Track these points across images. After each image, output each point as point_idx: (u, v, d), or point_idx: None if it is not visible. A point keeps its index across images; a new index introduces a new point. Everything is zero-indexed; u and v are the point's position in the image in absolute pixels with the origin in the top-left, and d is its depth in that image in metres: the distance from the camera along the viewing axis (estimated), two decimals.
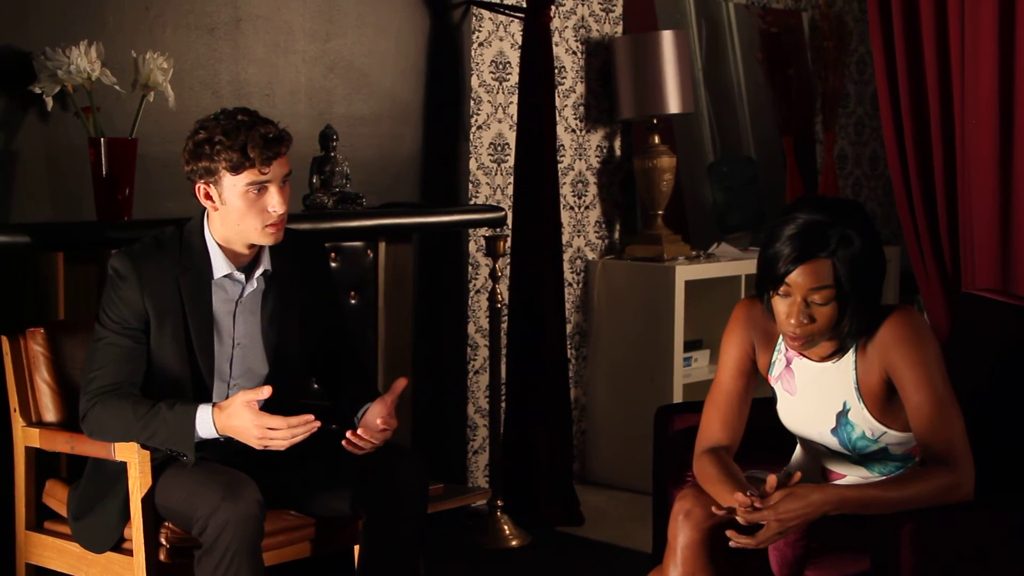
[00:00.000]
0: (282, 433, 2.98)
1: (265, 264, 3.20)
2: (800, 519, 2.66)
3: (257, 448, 3.02)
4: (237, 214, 3.09)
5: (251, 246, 3.16)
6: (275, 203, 3.08)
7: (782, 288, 2.76)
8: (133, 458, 3.05)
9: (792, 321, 2.76)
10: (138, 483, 3.03)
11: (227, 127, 3.05)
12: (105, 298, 3.14)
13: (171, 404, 3.04)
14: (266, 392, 3.00)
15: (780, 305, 2.78)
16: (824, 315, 2.76)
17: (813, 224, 2.74)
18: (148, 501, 3.04)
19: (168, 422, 3.02)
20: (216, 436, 3.04)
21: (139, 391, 3.11)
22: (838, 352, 2.86)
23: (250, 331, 3.22)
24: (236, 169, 3.04)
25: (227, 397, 3.17)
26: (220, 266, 3.16)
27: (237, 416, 3.00)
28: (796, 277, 2.73)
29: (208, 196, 3.11)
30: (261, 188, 3.07)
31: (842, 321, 2.78)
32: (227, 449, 3.12)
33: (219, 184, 3.08)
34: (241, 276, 3.18)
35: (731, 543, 2.69)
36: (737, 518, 2.68)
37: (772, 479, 2.68)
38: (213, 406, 3.04)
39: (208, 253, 3.15)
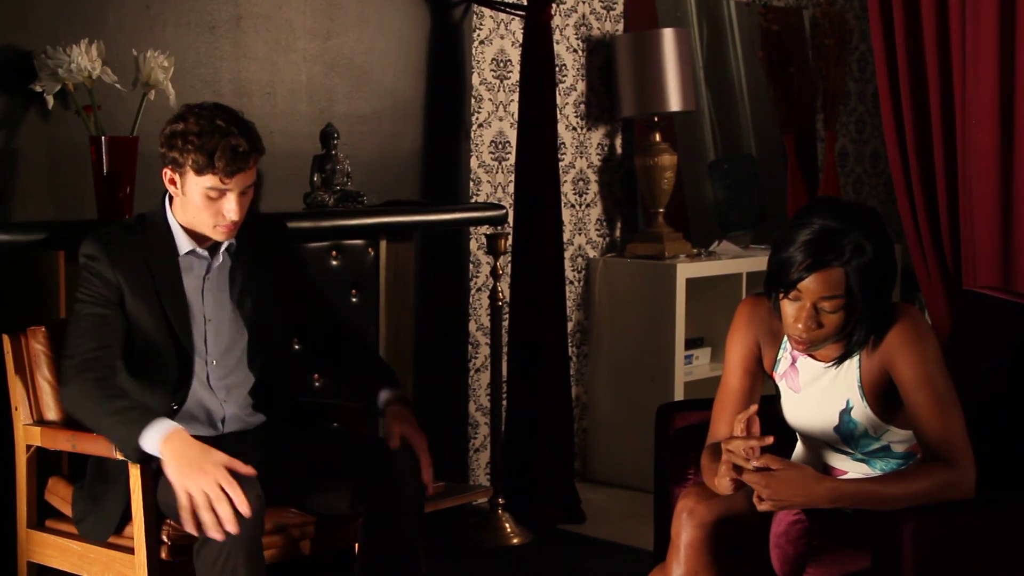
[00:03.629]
0: (237, 504, 2.84)
1: (231, 240, 3.27)
2: (796, 492, 2.67)
3: (180, 491, 2.84)
4: (194, 208, 3.16)
5: None
6: (230, 210, 3.15)
7: (792, 293, 2.76)
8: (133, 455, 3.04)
9: (800, 326, 2.76)
10: (139, 482, 3.03)
11: (203, 127, 3.11)
12: (80, 282, 3.19)
13: (131, 407, 3.00)
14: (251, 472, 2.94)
15: (788, 308, 2.78)
16: (832, 322, 2.76)
17: (828, 231, 2.73)
18: (149, 499, 3.03)
19: (124, 421, 2.98)
20: (150, 451, 2.92)
21: (117, 360, 3.14)
22: (844, 356, 2.86)
23: (220, 307, 3.27)
24: (200, 171, 3.11)
25: (207, 376, 3.24)
26: (183, 243, 3.22)
27: (201, 451, 2.89)
28: (808, 284, 2.73)
29: (172, 182, 3.17)
30: (220, 193, 3.13)
31: (849, 327, 2.78)
32: (226, 449, 3.12)
33: (183, 176, 3.14)
34: (205, 252, 3.24)
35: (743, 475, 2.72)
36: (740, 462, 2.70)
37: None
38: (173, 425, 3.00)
39: (172, 232, 3.22)
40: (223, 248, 3.27)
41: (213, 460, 2.87)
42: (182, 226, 3.22)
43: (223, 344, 3.27)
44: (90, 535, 3.17)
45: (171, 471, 2.87)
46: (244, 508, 2.82)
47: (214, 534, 2.83)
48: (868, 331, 2.81)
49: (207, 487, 2.83)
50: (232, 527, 2.81)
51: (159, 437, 2.90)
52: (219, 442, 3.10)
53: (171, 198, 3.24)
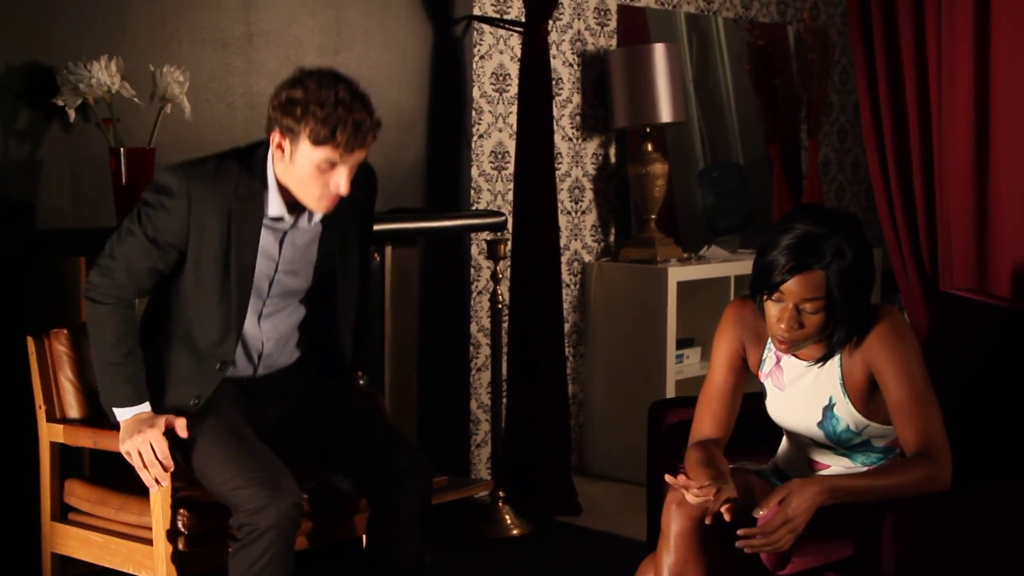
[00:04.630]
0: (149, 466, 2.98)
1: (311, 218, 3.09)
2: (805, 513, 2.65)
3: (131, 456, 3.00)
4: (300, 178, 2.95)
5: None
6: (340, 184, 2.94)
7: (775, 295, 2.76)
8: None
9: (782, 326, 2.76)
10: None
11: (324, 98, 2.88)
12: (149, 200, 3.00)
13: (135, 381, 3.03)
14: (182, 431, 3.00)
15: (772, 309, 2.78)
16: (813, 323, 2.76)
17: (810, 236, 2.73)
18: (167, 493, 3.04)
19: (116, 376, 3.03)
20: (117, 419, 3.04)
21: (141, 293, 3.08)
22: (827, 356, 2.86)
23: (295, 259, 3.11)
24: (318, 143, 2.89)
25: (261, 314, 3.12)
26: (275, 207, 3.02)
27: (150, 418, 3.01)
28: (790, 286, 2.74)
29: (280, 147, 2.95)
30: (332, 166, 2.93)
31: (829, 327, 2.79)
32: (239, 407, 3.12)
33: (295, 144, 2.92)
34: (290, 220, 3.05)
35: (746, 550, 2.69)
36: (753, 542, 2.68)
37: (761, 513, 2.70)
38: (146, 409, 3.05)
39: (266, 191, 3.01)
40: (317, 218, 3.07)
41: (151, 424, 2.99)
42: (280, 186, 3.01)
43: (285, 288, 3.13)
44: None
45: (120, 440, 3.02)
46: (167, 465, 2.97)
47: (151, 482, 2.99)
48: (849, 331, 2.81)
49: (139, 446, 2.97)
50: (153, 485, 2.99)
51: (129, 414, 3.02)
52: (256, 385, 3.15)
53: (273, 156, 3.01)
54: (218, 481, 2.99)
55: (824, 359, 2.87)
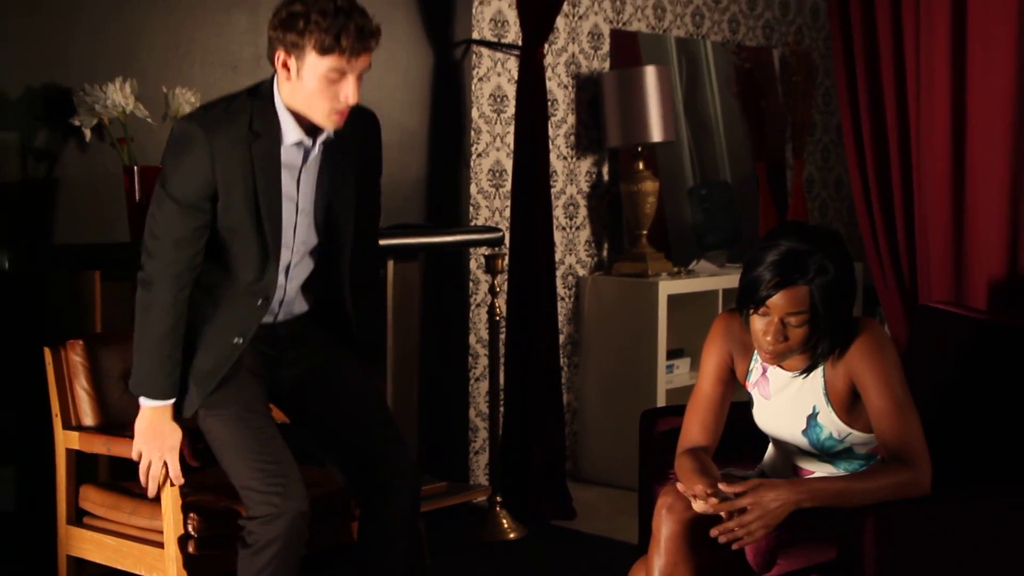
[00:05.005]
0: (172, 475, 3.00)
1: (328, 132, 2.98)
2: (777, 510, 2.66)
3: (137, 453, 3.01)
4: (309, 93, 2.87)
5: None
6: (348, 93, 2.86)
7: (761, 309, 2.77)
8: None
9: (768, 339, 2.77)
10: (168, 480, 3.04)
11: (325, 7, 2.81)
12: (170, 163, 2.92)
13: (172, 369, 2.97)
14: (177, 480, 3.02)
15: (758, 323, 2.79)
16: (797, 336, 2.77)
17: (793, 252, 2.73)
18: (178, 497, 3.05)
19: (152, 363, 2.96)
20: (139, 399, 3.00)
21: (194, 263, 2.95)
22: (810, 367, 2.87)
23: (310, 197, 3.02)
24: (324, 52, 2.81)
25: (289, 264, 3.03)
26: (291, 132, 2.94)
27: (173, 432, 2.99)
28: (776, 301, 2.74)
29: (285, 66, 2.87)
30: (341, 75, 2.85)
31: (813, 340, 2.79)
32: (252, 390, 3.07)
33: (301, 59, 2.84)
34: (309, 141, 2.96)
35: (720, 538, 2.70)
36: (720, 512, 2.69)
37: (712, 498, 2.69)
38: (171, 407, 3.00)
39: (279, 119, 2.93)
40: (321, 139, 2.97)
41: (170, 443, 2.99)
42: (290, 111, 2.92)
43: (305, 236, 3.05)
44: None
45: (138, 430, 3.00)
46: (177, 481, 3.00)
47: (150, 491, 3.02)
48: (832, 343, 2.82)
49: (153, 457, 2.99)
50: (151, 493, 3.02)
51: (154, 405, 2.99)
52: (276, 338, 3.10)
53: (278, 82, 2.93)
54: (234, 473, 2.98)
55: (808, 370, 2.88)
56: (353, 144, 3.06)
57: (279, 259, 2.99)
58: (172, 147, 2.94)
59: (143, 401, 3.00)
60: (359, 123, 3.06)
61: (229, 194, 2.91)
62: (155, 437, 2.99)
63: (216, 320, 3.01)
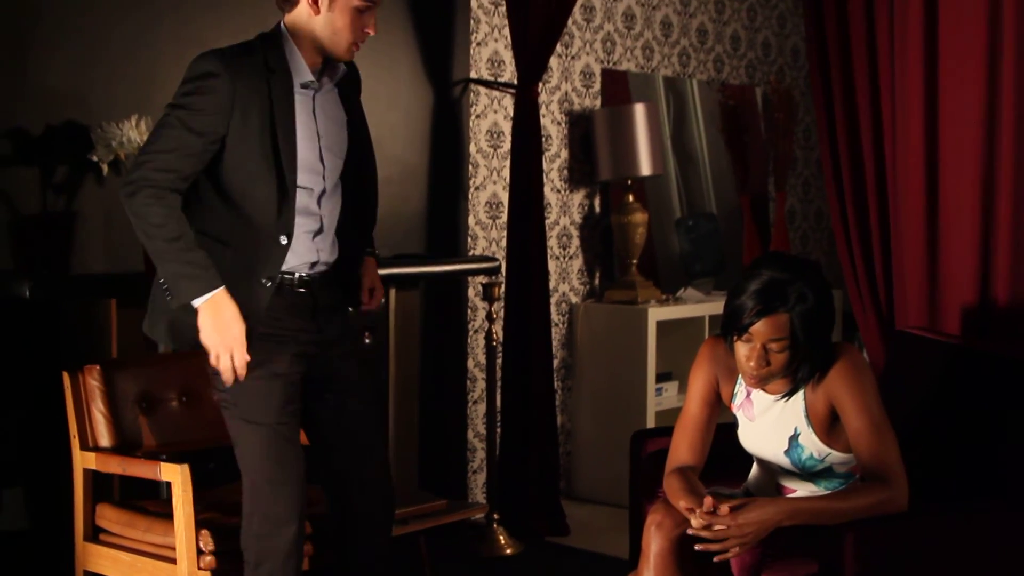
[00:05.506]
0: (237, 367, 2.84)
1: (333, 74, 3.01)
2: (758, 527, 2.66)
3: (210, 352, 2.84)
4: (337, 25, 2.91)
5: (323, 58, 2.99)
6: (372, 25, 2.95)
7: (745, 335, 2.77)
8: (176, 478, 3.04)
9: (752, 364, 2.78)
10: (181, 498, 3.04)
11: None
12: (186, 93, 2.85)
13: (205, 267, 2.82)
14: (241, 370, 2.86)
15: (742, 349, 2.79)
16: (779, 361, 2.77)
17: (775, 281, 2.74)
18: (190, 512, 3.04)
19: (189, 263, 2.80)
20: (191, 304, 2.82)
21: (179, 188, 2.84)
22: (792, 390, 2.88)
23: (329, 128, 3.01)
24: None
25: (323, 193, 2.97)
26: (303, 72, 2.94)
27: (234, 320, 2.83)
28: (758, 328, 2.75)
29: (315, 2, 2.90)
30: (367, 11, 2.92)
31: (794, 365, 2.80)
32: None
33: None
34: (315, 82, 2.97)
35: (698, 547, 2.70)
36: (702, 532, 2.68)
37: (710, 500, 2.69)
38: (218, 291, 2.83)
39: (289, 59, 2.93)
40: (336, 77, 3.01)
41: (233, 333, 2.83)
42: (300, 54, 2.94)
43: (333, 165, 3.01)
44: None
45: (204, 325, 2.83)
46: (241, 373, 2.85)
47: (227, 381, 2.86)
48: (812, 368, 2.83)
49: (220, 350, 2.83)
50: (227, 383, 2.86)
51: (206, 298, 2.82)
52: (314, 301, 2.99)
53: (288, 27, 2.94)
54: (245, 484, 2.94)
55: (790, 393, 2.88)
56: (351, 86, 3.11)
57: (295, 195, 2.92)
58: (191, 80, 2.87)
59: (195, 303, 2.82)
60: (351, 67, 3.10)
61: (245, 126, 2.86)
62: (218, 329, 2.82)
63: (237, 264, 2.89)
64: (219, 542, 3.07)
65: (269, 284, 2.92)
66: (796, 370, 2.82)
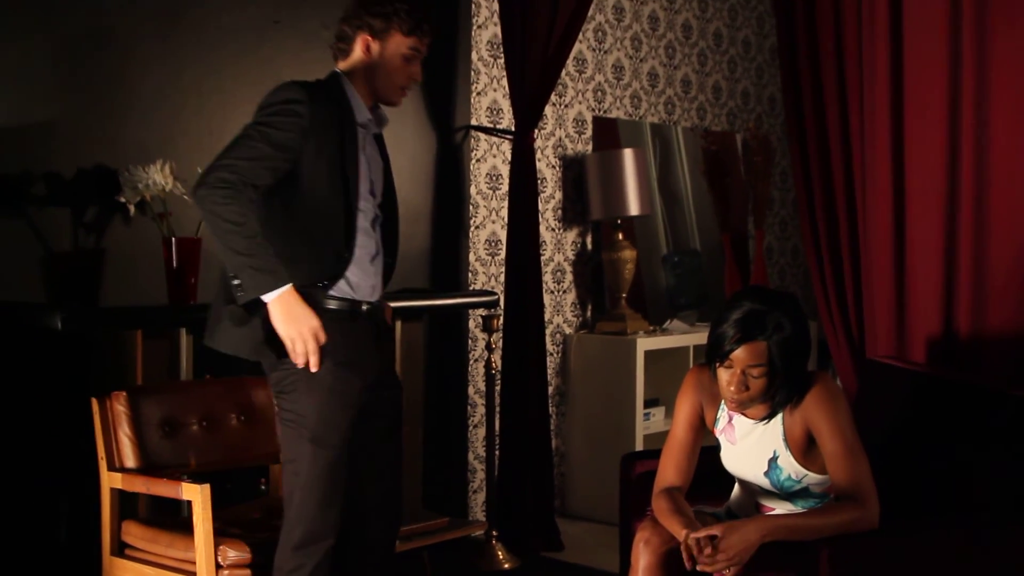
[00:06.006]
0: (310, 352, 2.78)
1: (382, 120, 3.06)
2: (743, 549, 2.66)
3: (287, 340, 2.77)
4: (387, 70, 2.98)
5: (373, 102, 3.03)
6: (418, 73, 3.02)
7: (726, 362, 2.79)
8: (197, 497, 3.04)
9: (732, 389, 2.79)
10: (201, 516, 3.04)
11: (411, 1, 2.98)
12: (269, 114, 2.84)
13: (276, 264, 2.76)
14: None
15: (723, 375, 2.81)
16: (757, 386, 2.79)
17: (754, 312, 2.76)
18: (209, 526, 3.04)
19: (264, 258, 2.74)
20: (264, 299, 2.76)
21: (253, 197, 2.79)
22: (770, 415, 2.89)
23: (377, 170, 3.03)
24: (408, 33, 2.96)
25: (375, 216, 2.97)
26: (362, 112, 2.99)
27: (308, 311, 2.77)
28: (738, 354, 2.76)
29: (367, 48, 2.97)
30: (414, 58, 2.99)
31: (772, 390, 2.81)
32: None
33: (385, 41, 2.97)
34: (371, 124, 3.01)
35: (687, 564, 2.70)
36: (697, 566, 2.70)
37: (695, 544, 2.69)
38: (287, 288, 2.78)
39: (350, 100, 2.97)
40: (382, 125, 3.06)
41: (308, 324, 2.77)
42: (359, 96, 2.98)
43: (380, 192, 3.03)
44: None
45: (277, 319, 2.77)
46: (314, 366, 2.79)
47: (313, 366, 2.79)
48: (789, 393, 2.84)
49: (297, 338, 2.76)
50: (313, 368, 2.79)
51: (278, 292, 2.76)
52: (372, 322, 2.96)
53: (345, 72, 2.98)
54: (296, 500, 2.86)
55: (769, 417, 2.89)
56: (381, 135, 3.13)
57: (358, 216, 2.92)
58: (273, 104, 2.87)
59: (266, 298, 2.76)
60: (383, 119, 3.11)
61: (319, 151, 2.87)
62: (293, 320, 2.76)
63: (300, 280, 2.84)
64: (238, 557, 3.06)
65: (321, 285, 2.88)
66: (774, 395, 2.83)
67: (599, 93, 5.61)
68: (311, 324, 2.78)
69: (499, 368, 4.87)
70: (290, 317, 2.76)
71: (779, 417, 2.87)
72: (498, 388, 4.92)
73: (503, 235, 5.14)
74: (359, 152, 2.94)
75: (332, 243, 2.89)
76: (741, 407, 2.83)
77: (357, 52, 2.99)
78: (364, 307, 2.96)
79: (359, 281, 2.94)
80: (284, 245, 2.84)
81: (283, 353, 2.82)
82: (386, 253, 3.07)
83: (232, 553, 3.06)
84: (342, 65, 3.02)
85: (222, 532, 3.14)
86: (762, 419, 2.89)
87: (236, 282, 2.78)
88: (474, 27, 5.05)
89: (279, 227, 2.86)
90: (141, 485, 3.23)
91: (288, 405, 2.88)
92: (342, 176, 2.89)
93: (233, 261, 2.76)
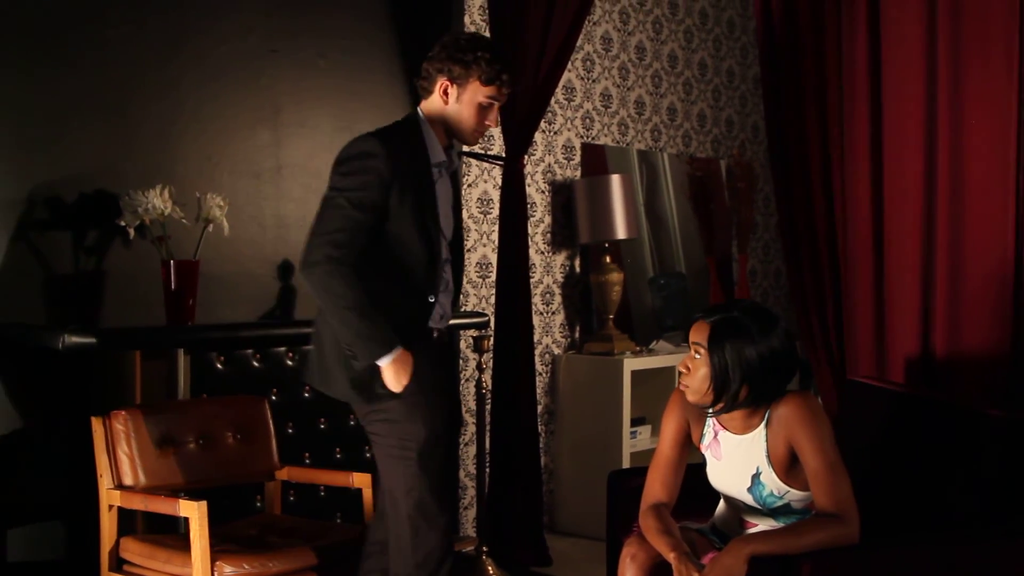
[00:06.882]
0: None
1: (454, 159, 3.12)
2: (739, 567, 2.67)
3: (396, 391, 2.93)
4: (465, 115, 3.01)
5: (449, 142, 3.06)
6: (494, 119, 3.04)
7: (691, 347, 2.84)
8: (194, 514, 3.04)
9: (681, 369, 2.83)
10: (198, 532, 3.03)
11: (494, 51, 3.00)
12: (347, 173, 2.92)
13: (386, 331, 2.90)
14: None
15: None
16: (696, 367, 2.81)
17: (721, 305, 2.84)
18: (207, 542, 3.03)
19: (374, 328, 2.87)
20: (376, 363, 2.91)
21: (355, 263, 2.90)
22: (754, 427, 2.89)
23: (447, 211, 3.09)
24: (488, 82, 2.98)
25: (446, 258, 3.04)
26: (437, 153, 3.03)
27: (411, 364, 2.93)
28: (692, 331, 2.82)
29: (445, 92, 3.01)
30: (491, 105, 3.01)
31: (711, 385, 2.79)
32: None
33: (463, 87, 3.00)
34: (445, 164, 3.06)
35: None
36: None
37: None
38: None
39: (426, 142, 3.02)
40: (454, 164, 3.10)
41: (410, 372, 2.92)
42: (435, 135, 3.03)
43: (451, 233, 3.10)
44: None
45: (390, 379, 2.91)
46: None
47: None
48: (756, 399, 2.82)
49: (403, 388, 2.92)
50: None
51: (391, 358, 2.90)
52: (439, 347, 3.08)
53: (423, 114, 3.03)
54: (399, 511, 2.99)
55: (753, 430, 2.89)
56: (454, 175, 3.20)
57: (441, 257, 3.01)
58: (350, 160, 2.94)
59: (381, 362, 2.91)
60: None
61: (401, 199, 2.93)
62: (404, 377, 2.92)
63: (395, 322, 2.95)
64: (233, 573, 3.06)
65: (413, 325, 2.99)
66: (753, 412, 2.84)
67: (587, 120, 5.63)
68: (411, 371, 2.93)
69: (490, 388, 4.87)
70: (401, 376, 2.92)
71: (762, 433, 2.88)
72: (489, 407, 4.92)
73: (494, 258, 5.14)
74: (437, 198, 2.99)
75: (420, 292, 3.00)
76: (691, 395, 2.84)
77: (436, 94, 3.02)
78: (435, 334, 3.08)
79: (435, 312, 3.06)
80: (376, 290, 2.92)
81: (385, 396, 2.95)
82: (453, 282, 3.15)
83: (228, 569, 3.05)
84: (423, 105, 3.06)
85: (219, 548, 3.13)
86: (743, 430, 2.89)
87: (349, 351, 2.90)
88: None
89: (371, 275, 2.93)
90: (139, 502, 3.23)
91: (383, 432, 2.99)
92: (423, 226, 2.95)
93: (345, 335, 2.88)
